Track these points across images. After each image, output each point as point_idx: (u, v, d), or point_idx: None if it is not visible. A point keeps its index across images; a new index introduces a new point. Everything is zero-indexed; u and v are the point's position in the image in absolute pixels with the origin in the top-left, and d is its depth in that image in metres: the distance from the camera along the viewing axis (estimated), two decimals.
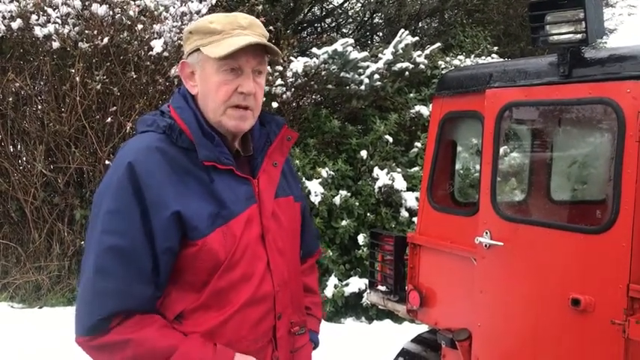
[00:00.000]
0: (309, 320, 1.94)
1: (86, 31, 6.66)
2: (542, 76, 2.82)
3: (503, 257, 2.92)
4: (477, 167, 3.32)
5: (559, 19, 2.71)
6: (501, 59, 9.19)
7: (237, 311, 1.64)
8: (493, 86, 3.03)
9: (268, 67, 1.70)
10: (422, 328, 4.05)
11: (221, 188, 1.65)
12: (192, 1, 7.10)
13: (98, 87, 6.52)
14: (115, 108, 6.67)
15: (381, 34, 12.43)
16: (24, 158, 6.93)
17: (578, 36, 2.63)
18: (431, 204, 3.48)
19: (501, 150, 3.05)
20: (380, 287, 3.81)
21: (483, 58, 9.42)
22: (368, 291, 4.02)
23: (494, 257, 2.95)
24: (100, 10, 6.55)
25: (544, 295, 2.74)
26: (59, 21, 6.65)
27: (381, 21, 12.41)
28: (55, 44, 6.54)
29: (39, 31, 6.52)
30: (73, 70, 6.57)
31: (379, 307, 3.90)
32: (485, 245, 2.97)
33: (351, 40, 7.36)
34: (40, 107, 6.91)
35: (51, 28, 6.51)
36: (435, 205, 3.46)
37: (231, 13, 1.75)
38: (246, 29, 1.68)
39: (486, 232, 2.98)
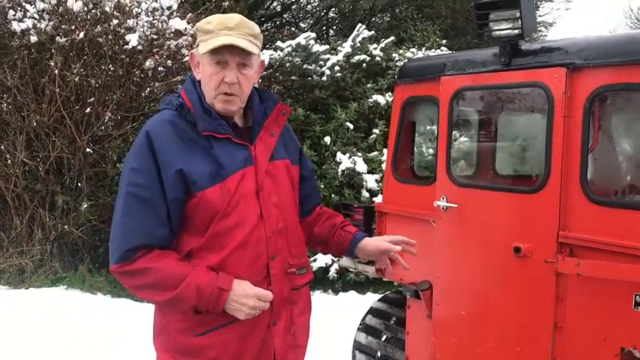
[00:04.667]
0: (350, 228, 2.34)
1: (62, 26, 6.79)
2: (487, 64, 3.27)
3: (458, 217, 3.37)
4: (434, 144, 3.83)
5: (500, 17, 3.14)
6: (450, 51, 9.74)
7: (232, 251, 1.96)
8: (447, 74, 3.46)
9: None
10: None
11: (220, 153, 1.98)
12: None
13: (76, 79, 6.70)
14: (92, 99, 6.84)
15: (335, 28, 12.88)
16: (4, 148, 7.04)
17: (516, 31, 3.08)
18: (395, 177, 3.90)
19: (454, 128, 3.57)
20: None
21: (433, 50, 9.80)
22: (340, 257, 4.50)
23: (450, 217, 3.40)
24: (76, 5, 6.73)
25: (491, 246, 3.17)
26: (36, 16, 6.79)
27: (335, 16, 12.87)
28: (33, 38, 6.68)
29: (16, 26, 6.66)
30: (52, 63, 6.70)
31: (350, 270, 4.39)
32: (443, 208, 3.43)
33: (313, 35, 7.74)
34: (19, 99, 7.01)
35: (29, 22, 6.66)
36: (399, 177, 3.90)
37: (226, 15, 2.03)
38: (233, 30, 1.97)
39: (443, 197, 3.43)
